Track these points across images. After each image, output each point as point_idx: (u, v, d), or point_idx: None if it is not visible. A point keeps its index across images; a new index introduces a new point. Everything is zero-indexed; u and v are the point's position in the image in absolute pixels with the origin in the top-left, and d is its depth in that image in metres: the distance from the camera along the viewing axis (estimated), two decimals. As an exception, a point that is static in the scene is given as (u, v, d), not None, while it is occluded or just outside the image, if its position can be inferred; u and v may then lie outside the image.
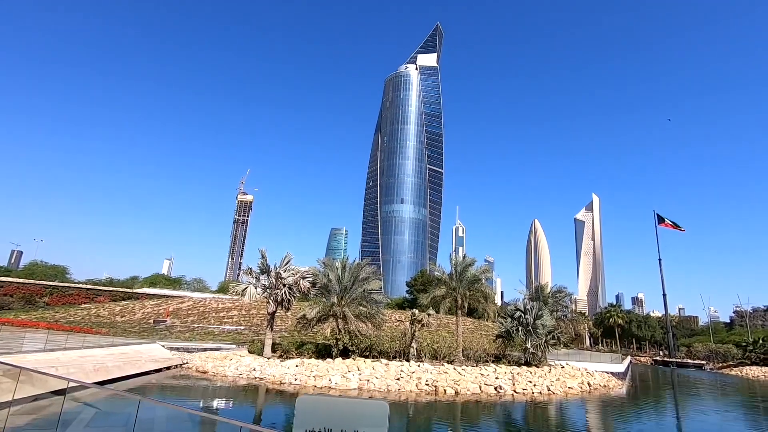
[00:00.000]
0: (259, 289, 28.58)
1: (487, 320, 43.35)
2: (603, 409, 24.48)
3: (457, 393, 23.45)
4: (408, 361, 28.12)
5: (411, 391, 23.19)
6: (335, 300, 28.44)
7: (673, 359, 73.14)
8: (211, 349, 30.51)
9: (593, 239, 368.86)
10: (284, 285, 27.96)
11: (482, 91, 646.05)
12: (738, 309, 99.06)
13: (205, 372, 24.93)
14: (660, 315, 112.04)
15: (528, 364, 32.36)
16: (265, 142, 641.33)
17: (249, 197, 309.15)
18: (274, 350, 29.00)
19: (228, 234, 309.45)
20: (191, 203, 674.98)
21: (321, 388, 22.17)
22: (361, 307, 29.05)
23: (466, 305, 32.44)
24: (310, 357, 27.68)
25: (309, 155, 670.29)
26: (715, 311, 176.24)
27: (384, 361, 27.80)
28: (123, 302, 52.75)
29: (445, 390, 23.61)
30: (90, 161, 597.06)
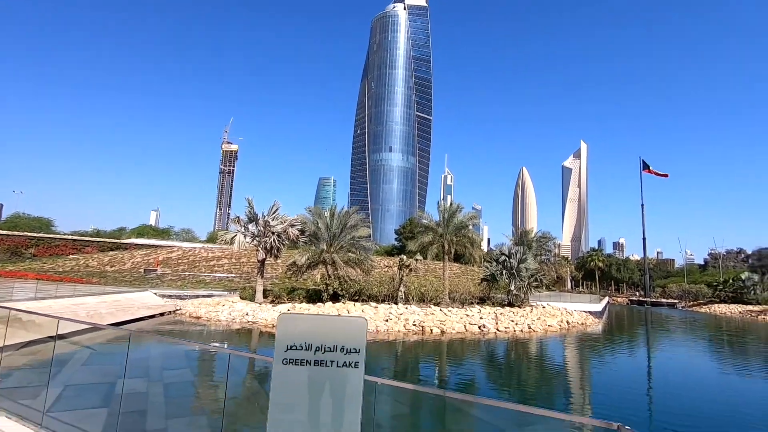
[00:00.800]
0: (247, 238, 28.69)
1: (473, 265, 44.58)
2: (579, 345, 26.00)
3: (442, 332, 24.61)
4: (396, 304, 29.11)
5: (399, 331, 24.24)
6: (324, 247, 28.79)
7: (648, 299, 77.23)
8: (203, 296, 31.12)
9: (579, 186, 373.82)
10: (273, 233, 28.08)
11: (472, 34, 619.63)
12: (712, 251, 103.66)
13: (198, 317, 25.57)
14: (639, 258, 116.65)
15: (511, 305, 33.81)
16: (248, 90, 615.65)
17: (234, 147, 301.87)
18: (265, 296, 29.67)
19: (215, 185, 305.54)
20: (176, 154, 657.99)
21: (312, 330, 23.02)
22: (350, 254, 29.51)
23: (452, 251, 33.18)
24: (301, 302, 28.45)
25: (294, 103, 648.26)
26: (691, 254, 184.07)
27: (373, 304, 28.75)
28: (111, 252, 52.72)
29: (431, 330, 24.75)
30: (69, 113, 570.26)
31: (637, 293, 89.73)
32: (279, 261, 38.01)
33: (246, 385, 10.19)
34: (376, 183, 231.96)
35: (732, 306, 64.38)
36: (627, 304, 79.51)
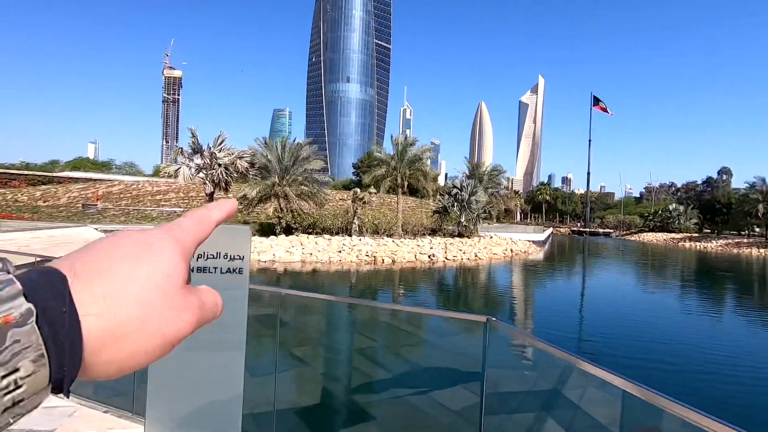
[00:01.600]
0: (193, 170, 27.36)
1: (428, 199, 45.50)
2: (519, 270, 28.05)
3: (393, 262, 25.58)
4: (350, 236, 29.60)
5: (352, 262, 24.93)
6: (276, 180, 28.09)
7: (587, 229, 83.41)
8: (150, 231, 30.05)
9: (535, 122, 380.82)
10: (220, 165, 26.90)
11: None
12: (647, 185, 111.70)
13: (145, 252, 24.86)
14: (583, 192, 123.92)
15: (461, 235, 35.34)
16: (190, 8, 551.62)
17: (177, 73, 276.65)
18: (216, 230, 29.17)
19: (159, 115, 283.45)
20: (113, 83, 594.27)
21: (265, 262, 23.14)
22: (302, 187, 29.08)
23: (405, 184, 33.51)
24: (254, 235, 28.23)
25: (243, 26, 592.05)
26: (630, 188, 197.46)
27: (327, 236, 29.06)
28: (44, 186, 48.74)
29: (383, 260, 25.63)
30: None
31: (579, 224, 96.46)
32: (230, 194, 36.94)
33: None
34: (333, 115, 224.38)
35: (658, 234, 71.03)
36: (569, 234, 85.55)
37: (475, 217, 34.99)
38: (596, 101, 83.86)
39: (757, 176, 53.47)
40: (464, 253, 29.50)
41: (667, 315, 15.65)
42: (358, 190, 31.56)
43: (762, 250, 46.83)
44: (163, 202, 41.93)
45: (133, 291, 0.32)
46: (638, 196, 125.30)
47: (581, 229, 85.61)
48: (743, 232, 60.19)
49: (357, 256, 25.55)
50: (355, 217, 30.71)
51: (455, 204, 34.69)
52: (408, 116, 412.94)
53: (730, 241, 55.62)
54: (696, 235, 65.47)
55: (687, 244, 58.74)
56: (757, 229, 55.89)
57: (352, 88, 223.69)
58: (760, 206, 50.71)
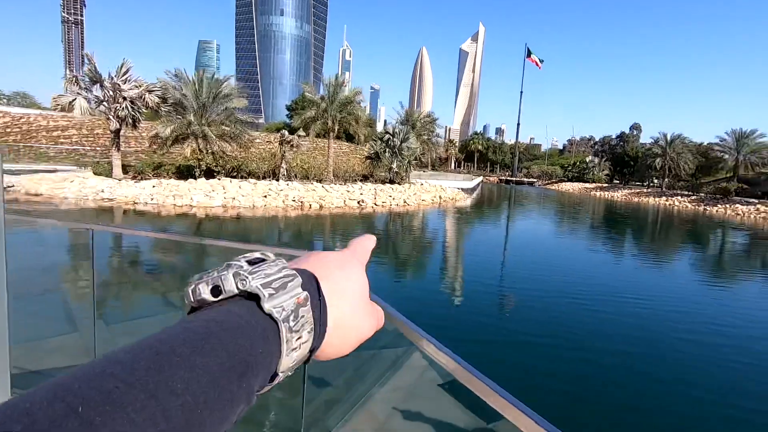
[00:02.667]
0: (92, 103, 24.14)
1: (363, 145, 44.80)
2: (446, 215, 28.98)
3: (321, 207, 25.21)
4: (277, 181, 28.53)
5: (277, 207, 24.18)
6: (193, 118, 25.76)
7: (514, 178, 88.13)
8: (45, 171, 26.66)
9: (473, 71, 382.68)
10: (125, 99, 23.95)
11: None
12: (570, 139, 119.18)
13: (38, 195, 22.11)
14: (514, 142, 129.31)
15: (392, 182, 35.58)
16: None
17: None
18: (126, 172, 26.57)
19: (59, 40, 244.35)
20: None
21: (182, 206, 21.68)
22: (224, 127, 27.03)
23: (336, 128, 32.45)
24: (170, 178, 26.19)
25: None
26: (556, 140, 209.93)
27: (252, 181, 27.77)
28: None
29: (310, 205, 25.14)
30: None
31: (507, 174, 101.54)
32: (144, 134, 33.59)
33: (115, 264, 9.43)
34: (266, 52, 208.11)
35: (575, 184, 77.03)
36: (497, 182, 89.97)
37: (406, 164, 35.19)
38: (529, 53, 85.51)
39: (660, 132, 58.88)
40: (393, 199, 29.81)
41: (576, 256, 17.20)
42: (286, 132, 30.07)
43: (657, 199, 52.69)
44: (62, 140, 37.07)
45: (348, 294, 0.42)
46: (562, 148, 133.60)
47: (509, 178, 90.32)
48: (645, 183, 66.98)
49: (283, 202, 24.81)
50: (283, 161, 29.50)
51: (387, 150, 34.50)
52: (348, 57, 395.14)
53: (633, 191, 61.80)
54: (606, 185, 71.87)
55: (598, 193, 64.45)
56: (656, 181, 62.40)
57: (286, 23, 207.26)
58: (658, 160, 56.37)
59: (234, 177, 28.27)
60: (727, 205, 42.73)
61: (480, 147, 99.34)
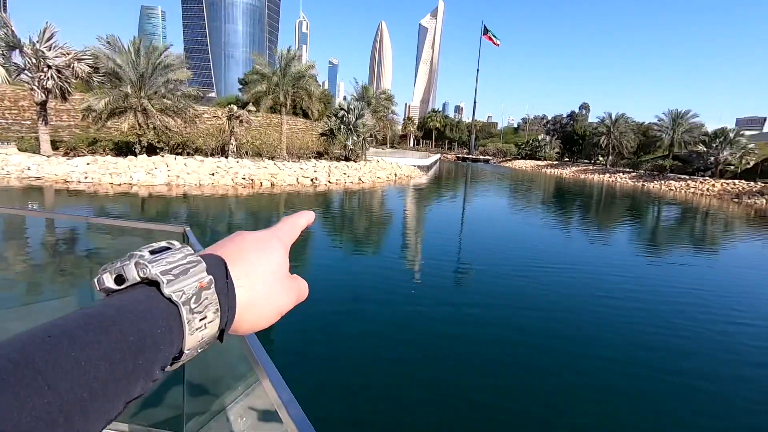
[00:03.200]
0: (12, 72, 21.91)
1: (319, 121, 43.80)
2: (402, 192, 29.12)
3: (273, 185, 24.61)
4: (226, 158, 27.47)
5: (226, 185, 23.34)
6: (130, 90, 24.08)
7: (470, 156, 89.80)
8: (-39, 148, 24.19)
9: (433, 47, 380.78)
10: (50, 67, 21.91)
11: None
12: (525, 117, 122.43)
13: (-49, 173, 20.10)
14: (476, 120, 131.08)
15: (348, 159, 35.25)
16: None
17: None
18: (56, 148, 24.61)
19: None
20: None
21: (120, 185, 20.44)
22: (166, 100, 25.50)
23: (289, 103, 31.47)
24: (107, 154, 24.55)
25: None
26: (512, 119, 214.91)
27: (199, 158, 26.59)
28: None
29: (261, 183, 24.48)
30: None
31: (465, 151, 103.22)
32: (78, 107, 31.06)
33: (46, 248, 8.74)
34: (216, 21, 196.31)
35: (528, 161, 79.63)
36: (455, 160, 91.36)
37: (361, 141, 34.87)
38: (486, 31, 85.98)
39: (606, 112, 61.66)
40: (348, 176, 29.59)
41: (524, 230, 17.90)
42: (235, 107, 28.80)
43: (601, 176, 55.60)
44: (-19, 112, 33.53)
45: (262, 273, 0.45)
46: (517, 126, 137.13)
47: (465, 155, 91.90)
48: (592, 161, 70.36)
49: (232, 180, 23.97)
50: (232, 138, 28.38)
51: (342, 127, 33.97)
52: (305, 29, 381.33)
53: (581, 168, 64.80)
54: (556, 162, 74.85)
55: (548, 171, 67.06)
56: (602, 158, 65.67)
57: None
58: (603, 138, 59.22)
59: (179, 154, 26.92)
60: (662, 182, 45.83)
61: (438, 125, 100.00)
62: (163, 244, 0.42)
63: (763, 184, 37.50)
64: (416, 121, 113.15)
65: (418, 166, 45.43)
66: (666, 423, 4.74)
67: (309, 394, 4.75)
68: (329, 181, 27.72)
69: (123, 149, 25.25)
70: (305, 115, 49.58)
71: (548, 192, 38.60)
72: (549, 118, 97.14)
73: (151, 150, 25.69)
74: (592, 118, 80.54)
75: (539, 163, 75.36)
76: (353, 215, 18.96)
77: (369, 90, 40.33)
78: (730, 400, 5.28)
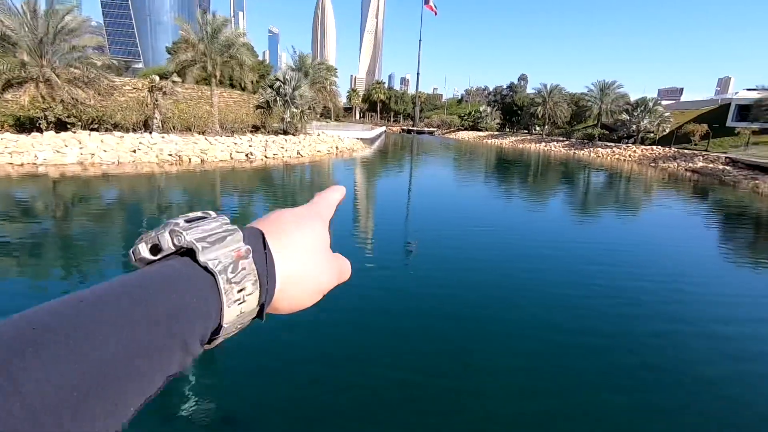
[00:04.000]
0: None
1: (256, 93, 41.63)
2: (344, 165, 28.68)
3: (203, 161, 23.23)
4: (150, 133, 25.48)
5: (150, 163, 21.70)
6: (28, 58, 21.37)
7: (415, 128, 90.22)
8: None
9: (377, 17, 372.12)
10: None
11: None
12: (468, 88, 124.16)
13: None
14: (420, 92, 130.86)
15: (286, 133, 34.03)
16: None
17: None
18: (-58, 125, 21.55)
19: None
20: None
21: (21, 165, 18.34)
22: (73, 70, 22.95)
23: (218, 73, 29.51)
24: (5, 131, 21.85)
25: None
26: (457, 90, 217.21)
27: (118, 134, 24.42)
28: None
29: (190, 159, 23.01)
30: None
31: (411, 123, 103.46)
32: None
33: None
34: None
35: (471, 132, 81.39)
36: (400, 132, 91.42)
37: (299, 113, 33.68)
38: (427, 0, 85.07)
39: (542, 83, 63.94)
40: (286, 150, 28.61)
41: (466, 197, 18.27)
42: (157, 78, 26.55)
43: (537, 145, 58.12)
44: None
45: (303, 246, 0.43)
46: (461, 98, 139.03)
47: (410, 128, 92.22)
48: (530, 131, 73.20)
49: (157, 157, 22.31)
50: (156, 111, 26.28)
51: (278, 99, 32.55)
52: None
53: (519, 138, 67.26)
54: (497, 133, 77.15)
55: (489, 141, 69.04)
56: (538, 128, 68.51)
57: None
58: (539, 108, 61.61)
59: (95, 130, 24.55)
60: (591, 149, 48.75)
61: (382, 97, 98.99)
62: (198, 213, 0.40)
63: (675, 150, 40.98)
64: (361, 94, 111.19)
65: (362, 139, 44.93)
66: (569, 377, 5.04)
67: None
68: (266, 156, 26.67)
69: (26, 125, 22.58)
70: (243, 88, 46.96)
71: (489, 162, 39.76)
72: (491, 89, 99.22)
73: (62, 126, 23.19)
74: (531, 89, 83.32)
75: (481, 134, 77.28)
76: (294, 190, 18.39)
77: (306, 60, 38.74)
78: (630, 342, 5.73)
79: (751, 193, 23.32)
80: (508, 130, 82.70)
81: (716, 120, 45.89)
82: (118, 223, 11.70)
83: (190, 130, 28.67)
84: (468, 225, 12.58)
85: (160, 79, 27.32)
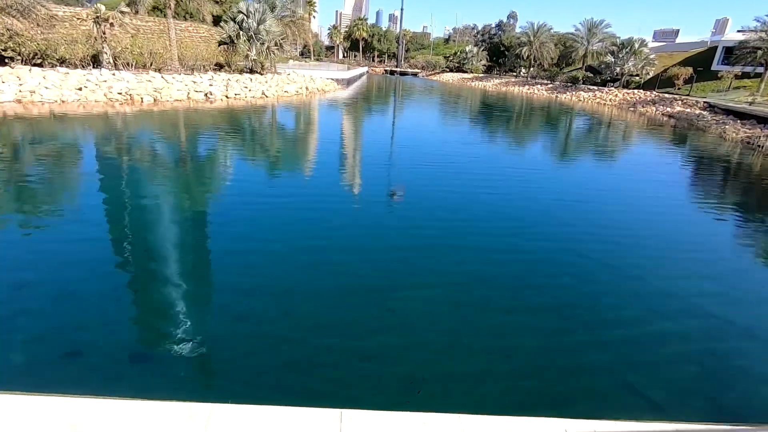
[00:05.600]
0: None
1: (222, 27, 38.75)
2: (310, 108, 27.42)
3: (156, 101, 21.95)
4: (99, 69, 23.79)
5: (98, 102, 20.43)
6: (-52, -19, 19.22)
7: (398, 69, 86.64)
8: None
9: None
10: None
11: None
12: (455, 27, 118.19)
13: None
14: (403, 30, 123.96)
15: (252, 72, 32.22)
16: None
17: None
18: None
19: None
20: None
21: (-50, 103, 17.08)
22: (4, -3, 20.81)
23: (172, 3, 27.19)
24: (-66, 66, 20.16)
25: None
26: (448, 28, 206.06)
27: (63, 69, 22.75)
28: None
29: (142, 99, 21.71)
30: None
31: (393, 64, 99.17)
32: None
33: None
34: None
35: (455, 74, 78.53)
36: (383, 73, 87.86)
37: (266, 50, 31.69)
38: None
39: (528, 22, 60.85)
40: (249, 90, 27.21)
41: (446, 143, 17.80)
42: (103, 7, 24.31)
43: (521, 88, 56.49)
44: None
45: None
46: (447, 37, 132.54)
47: (393, 68, 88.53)
48: (516, 73, 70.76)
49: (105, 95, 20.99)
50: (105, 46, 24.38)
51: (242, 34, 30.42)
52: None
53: (503, 80, 65.16)
54: (482, 75, 74.51)
55: (473, 83, 66.84)
56: (524, 70, 66.20)
57: None
58: (525, 49, 59.16)
59: (39, 65, 22.79)
60: (573, 93, 47.57)
61: (364, 34, 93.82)
62: None
63: (656, 94, 40.19)
64: (342, 32, 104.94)
65: (336, 80, 42.94)
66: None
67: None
68: (226, 96, 25.36)
69: (-45, 59, 20.80)
70: (216, 22, 43.57)
71: (470, 107, 38.52)
72: (479, 28, 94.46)
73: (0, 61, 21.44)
74: (519, 28, 79.44)
75: (465, 76, 74.59)
76: (254, 134, 17.52)
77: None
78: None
79: (718, 138, 23.21)
80: (496, 72, 79.93)
81: (702, 63, 44.70)
82: (71, 166, 11.07)
83: (147, 68, 26.87)
84: (439, 173, 12.32)
85: (107, 8, 25.03)
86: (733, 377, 4.24)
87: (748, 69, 35.72)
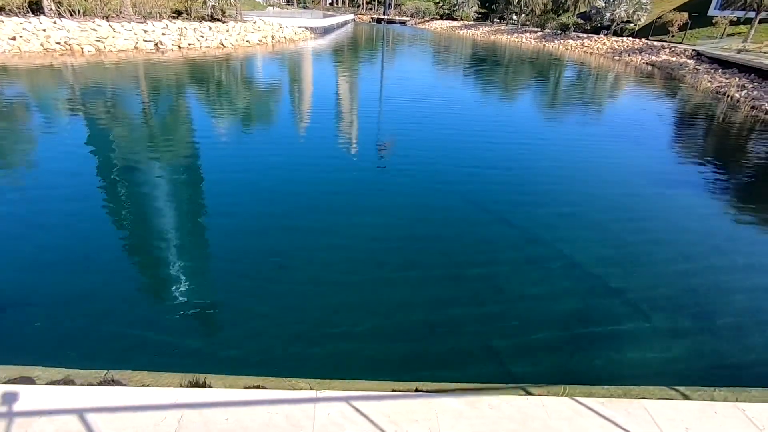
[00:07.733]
0: None
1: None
2: (270, 59, 26.02)
3: (99, 51, 20.78)
4: (37, 16, 22.33)
5: (33, 52, 19.31)
6: None
7: (386, 17, 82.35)
8: None
9: None
10: None
11: None
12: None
13: None
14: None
15: (213, 20, 30.43)
16: None
17: None
18: None
19: None
20: None
21: None
22: None
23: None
24: None
25: None
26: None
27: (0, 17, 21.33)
28: None
29: (83, 49, 20.53)
30: None
31: (381, 12, 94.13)
32: None
33: None
34: None
35: (445, 22, 74.78)
36: (370, 21, 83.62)
37: (226, -4, 29.71)
38: None
39: (521, -38, 56.87)
40: (206, 40, 25.77)
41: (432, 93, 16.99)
42: (38, -54, 22.41)
43: (509, 36, 53.89)
44: None
45: None
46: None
47: (380, 16, 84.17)
48: (506, 20, 67.21)
49: (42, 45, 19.82)
50: (44, -11, 22.74)
51: (199, -23, 28.39)
52: None
53: (492, 28, 62.03)
54: (472, 23, 70.86)
55: (461, 32, 63.73)
56: (514, 17, 62.84)
57: None
58: (514, -6, 55.77)
59: (-28, 13, 21.36)
60: (561, 41, 45.39)
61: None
62: None
63: (644, 42, 38.31)
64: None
65: (310, 28, 40.75)
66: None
67: None
68: (179, 46, 24.03)
69: None
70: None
71: (456, 58, 36.75)
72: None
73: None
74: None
75: (454, 23, 71.00)
76: (202, 87, 16.57)
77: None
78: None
79: (688, 88, 22.28)
80: (490, 19, 75.87)
81: (698, 8, 42.27)
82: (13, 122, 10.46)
83: (93, 15, 25.25)
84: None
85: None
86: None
87: (739, 14, 33.81)
